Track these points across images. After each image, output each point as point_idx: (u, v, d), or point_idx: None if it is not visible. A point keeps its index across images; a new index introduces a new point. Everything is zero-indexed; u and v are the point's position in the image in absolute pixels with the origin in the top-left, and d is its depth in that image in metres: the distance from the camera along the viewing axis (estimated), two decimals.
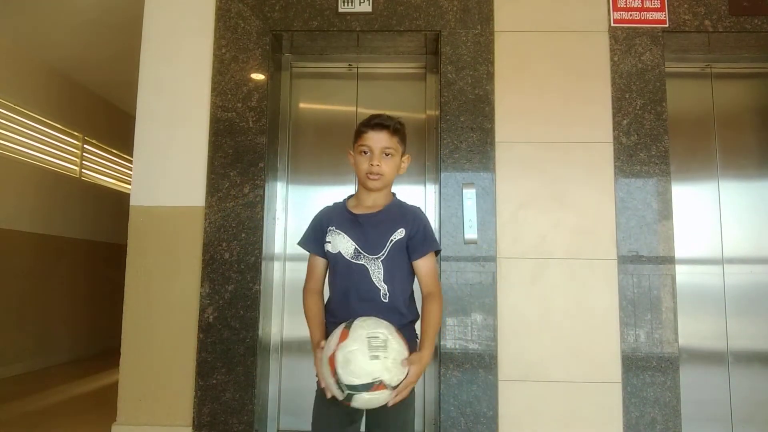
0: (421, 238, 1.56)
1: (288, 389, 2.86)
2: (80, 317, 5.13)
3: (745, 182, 2.97)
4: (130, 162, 3.20)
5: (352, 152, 1.64)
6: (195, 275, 2.67)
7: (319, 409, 1.57)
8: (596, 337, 2.61)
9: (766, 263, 2.89)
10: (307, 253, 1.68)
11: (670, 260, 2.64)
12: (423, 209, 2.76)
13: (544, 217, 2.69)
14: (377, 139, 1.56)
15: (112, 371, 4.03)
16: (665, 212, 2.67)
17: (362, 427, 1.61)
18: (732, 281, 2.88)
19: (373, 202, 1.62)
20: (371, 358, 1.31)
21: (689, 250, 2.87)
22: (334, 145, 3.04)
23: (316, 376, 1.51)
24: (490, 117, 2.74)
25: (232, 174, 2.73)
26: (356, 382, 1.30)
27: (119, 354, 2.65)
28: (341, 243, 1.56)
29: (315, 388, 1.59)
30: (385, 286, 1.52)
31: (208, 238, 2.69)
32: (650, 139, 2.72)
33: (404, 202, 1.69)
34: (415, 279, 1.62)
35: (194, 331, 2.63)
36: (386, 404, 1.37)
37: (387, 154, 1.57)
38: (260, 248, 2.69)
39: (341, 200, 1.69)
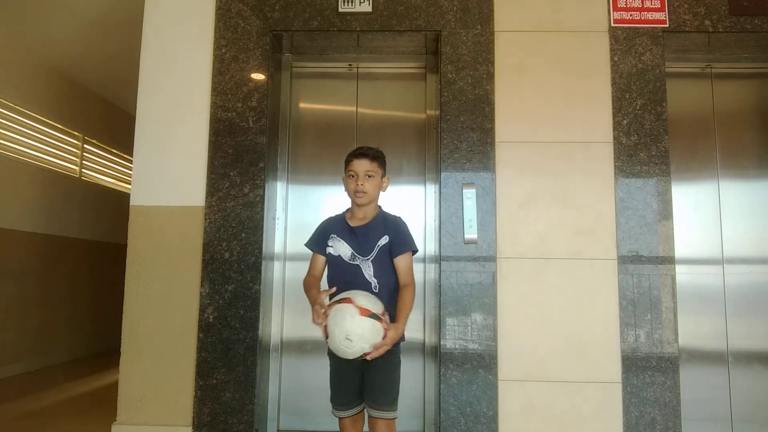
0: (399, 242, 1.95)
1: (288, 389, 2.86)
2: (80, 317, 5.13)
3: (745, 182, 2.97)
4: (130, 162, 3.20)
5: (344, 177, 2.00)
6: (195, 275, 2.67)
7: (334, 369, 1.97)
8: (596, 337, 2.61)
9: (766, 263, 2.90)
10: (309, 253, 2.07)
11: (670, 260, 2.64)
12: (423, 209, 3.00)
13: (544, 217, 2.69)
14: (360, 165, 1.95)
15: (112, 371, 4.04)
16: (665, 212, 2.67)
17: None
18: (732, 281, 2.88)
19: (364, 215, 1.99)
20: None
21: (689, 250, 2.88)
22: (334, 145, 3.04)
23: (325, 336, 1.81)
24: (490, 117, 2.74)
25: (232, 174, 2.73)
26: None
27: (119, 354, 2.65)
28: (341, 248, 1.96)
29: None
30: (375, 280, 1.91)
31: (208, 238, 2.69)
32: (650, 139, 2.72)
33: (388, 214, 2.04)
34: None
35: (194, 331, 2.64)
36: (375, 363, 1.81)
37: (369, 176, 1.95)
38: (260, 248, 2.69)
39: (341, 213, 2.07)
